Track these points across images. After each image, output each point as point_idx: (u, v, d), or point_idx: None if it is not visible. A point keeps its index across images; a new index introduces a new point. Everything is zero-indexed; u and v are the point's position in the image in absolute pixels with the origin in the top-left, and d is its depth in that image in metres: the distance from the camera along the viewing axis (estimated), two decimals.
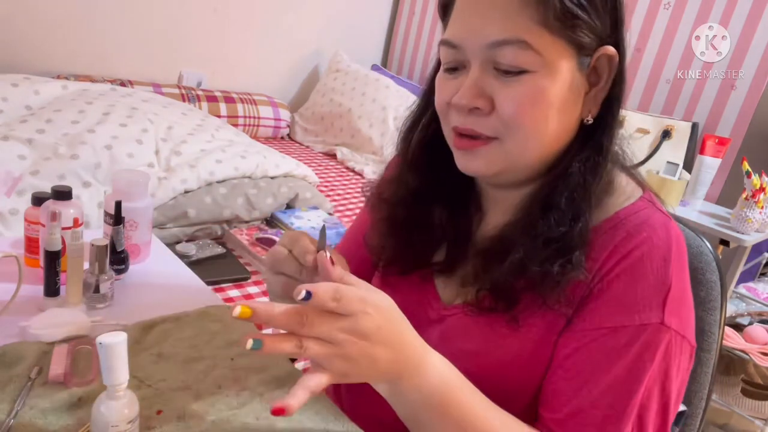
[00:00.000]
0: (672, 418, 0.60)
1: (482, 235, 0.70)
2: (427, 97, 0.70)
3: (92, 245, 0.80)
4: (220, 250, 1.56)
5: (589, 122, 0.61)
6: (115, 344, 0.50)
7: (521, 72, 0.57)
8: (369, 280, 0.81)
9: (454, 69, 0.62)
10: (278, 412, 0.46)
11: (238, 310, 0.47)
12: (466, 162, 0.63)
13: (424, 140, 0.71)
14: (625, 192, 0.64)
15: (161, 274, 0.96)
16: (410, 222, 0.71)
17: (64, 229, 0.79)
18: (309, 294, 0.47)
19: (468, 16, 0.59)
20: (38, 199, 0.86)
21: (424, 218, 0.70)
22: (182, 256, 1.41)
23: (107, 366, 0.51)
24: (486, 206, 0.72)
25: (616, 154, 0.65)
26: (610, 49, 0.59)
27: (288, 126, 2.81)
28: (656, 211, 0.62)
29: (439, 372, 0.55)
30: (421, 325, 0.70)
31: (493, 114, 0.59)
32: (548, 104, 0.58)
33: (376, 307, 0.51)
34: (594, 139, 0.61)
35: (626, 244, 0.59)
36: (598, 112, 0.62)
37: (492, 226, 0.69)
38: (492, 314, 0.63)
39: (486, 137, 0.60)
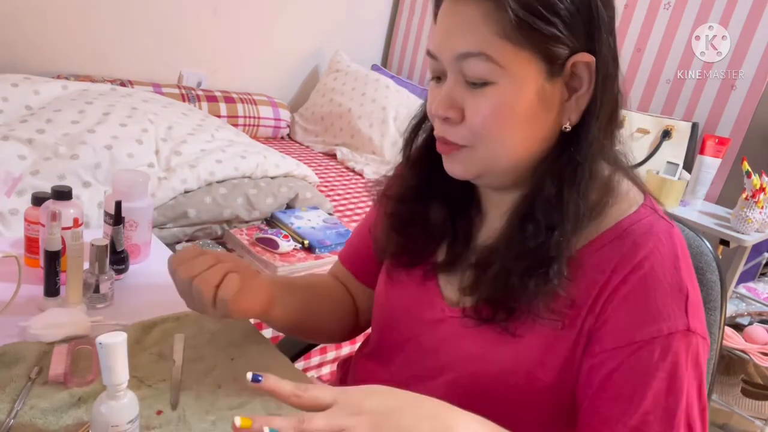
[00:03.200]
0: (707, 417, 0.61)
1: (482, 238, 0.71)
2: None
3: (92, 245, 0.80)
4: (220, 250, 1.56)
5: (567, 129, 0.61)
6: (115, 344, 0.50)
7: (486, 83, 0.58)
8: (376, 277, 0.82)
9: (439, 78, 0.64)
10: None
11: (238, 422, 0.46)
12: (447, 165, 0.66)
13: (426, 142, 0.73)
14: (626, 199, 0.64)
15: (161, 274, 0.95)
16: (410, 217, 0.73)
17: (64, 229, 0.79)
18: (257, 377, 0.49)
19: (442, 28, 0.61)
20: (38, 199, 0.86)
21: (422, 214, 0.72)
22: None
23: (107, 366, 0.51)
24: (486, 209, 0.72)
25: (617, 158, 0.65)
26: (586, 56, 0.58)
27: (288, 126, 2.81)
28: (659, 218, 0.62)
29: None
30: (423, 324, 0.72)
31: (464, 123, 0.61)
32: (513, 115, 0.59)
33: (373, 389, 0.52)
34: (571, 148, 0.61)
35: (633, 255, 0.59)
36: (579, 119, 0.61)
37: (491, 230, 0.69)
38: (491, 323, 0.64)
39: (457, 145, 0.62)
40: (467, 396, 0.66)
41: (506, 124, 0.59)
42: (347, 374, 0.89)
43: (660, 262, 0.59)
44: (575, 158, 0.60)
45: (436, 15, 0.64)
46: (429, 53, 0.63)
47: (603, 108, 0.60)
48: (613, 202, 0.63)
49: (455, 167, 0.65)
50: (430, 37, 0.65)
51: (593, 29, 0.58)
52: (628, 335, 0.59)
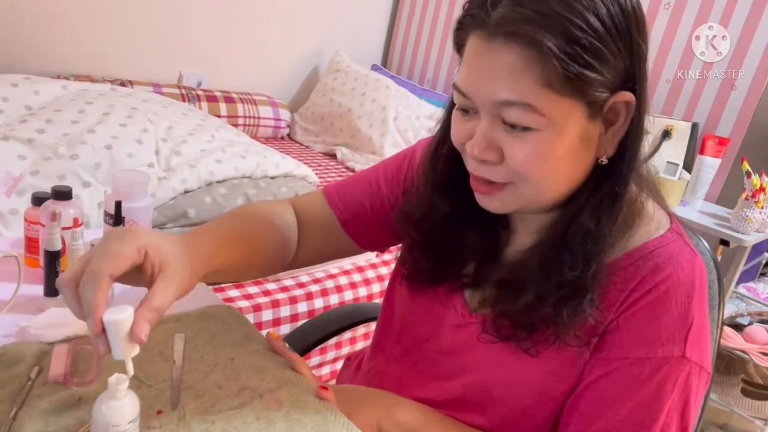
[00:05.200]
0: None
1: (510, 253, 0.71)
2: (448, 122, 0.70)
3: (92, 245, 0.80)
4: None
5: (604, 162, 0.61)
6: (119, 321, 0.50)
7: (528, 128, 0.57)
8: (364, 233, 0.83)
9: (466, 110, 0.62)
10: None
11: None
12: (484, 203, 0.64)
13: (448, 167, 0.70)
14: (654, 220, 0.65)
15: None
16: (444, 243, 0.72)
17: (64, 229, 0.79)
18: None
19: (475, 70, 0.58)
20: (38, 199, 0.86)
21: (457, 239, 0.71)
22: None
23: (115, 342, 0.51)
24: (514, 225, 0.72)
25: (644, 180, 0.65)
26: (626, 95, 0.57)
27: (288, 126, 2.81)
28: (685, 246, 0.63)
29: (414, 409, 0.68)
30: (444, 326, 0.74)
31: (504, 163, 0.59)
32: (556, 158, 0.58)
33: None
34: (609, 182, 0.61)
35: (653, 277, 0.60)
36: (616, 151, 0.60)
37: (520, 246, 0.70)
38: (510, 341, 0.65)
39: (500, 184, 0.61)
40: (482, 399, 0.69)
41: (548, 166, 0.58)
42: (359, 371, 0.90)
43: (675, 288, 0.60)
44: (614, 191, 0.60)
45: (457, 45, 0.61)
46: (458, 89, 0.60)
47: (638, 136, 0.60)
48: (639, 222, 0.63)
49: (492, 204, 0.64)
50: (460, 72, 0.61)
51: (633, 66, 0.57)
52: (625, 350, 0.61)
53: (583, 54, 0.53)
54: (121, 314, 0.50)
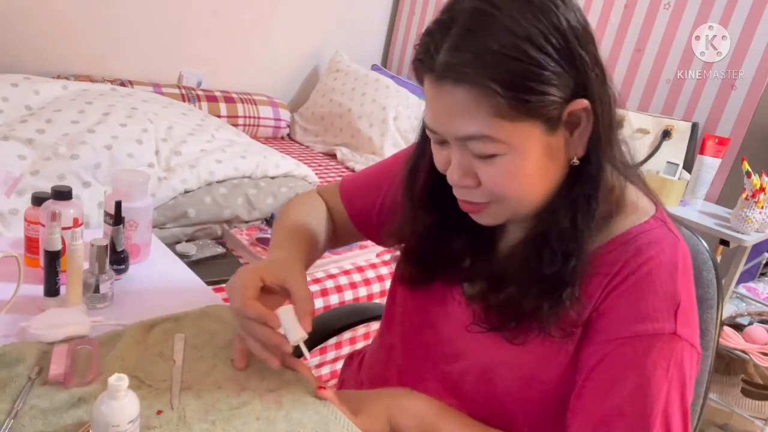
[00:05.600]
0: (689, 423, 0.62)
1: (503, 248, 0.73)
2: (424, 141, 0.73)
3: (92, 245, 0.80)
4: (220, 250, 1.56)
5: (576, 164, 0.63)
6: (288, 308, 0.66)
7: (493, 155, 0.60)
8: (368, 224, 0.89)
9: (442, 141, 0.65)
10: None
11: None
12: (476, 218, 0.68)
13: (427, 180, 0.73)
14: (638, 208, 0.66)
15: (161, 274, 0.96)
16: (433, 251, 0.75)
17: (64, 229, 0.79)
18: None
19: (436, 110, 0.62)
20: (38, 199, 0.86)
21: (445, 246, 0.74)
22: (182, 256, 1.41)
23: (289, 328, 0.65)
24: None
25: (625, 165, 0.66)
26: (581, 103, 0.59)
27: (288, 126, 2.81)
28: (668, 232, 0.65)
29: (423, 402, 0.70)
30: (443, 314, 0.75)
31: (482, 186, 0.63)
32: (526, 175, 0.61)
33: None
34: (580, 183, 0.62)
35: (635, 260, 0.62)
36: (586, 150, 0.62)
37: (512, 240, 0.72)
38: (497, 332, 0.67)
39: (483, 204, 0.65)
40: (479, 384, 0.71)
41: (521, 183, 0.61)
42: (361, 368, 0.91)
43: (658, 269, 0.61)
44: (586, 191, 0.62)
45: (419, 78, 0.63)
46: (427, 127, 0.64)
47: (605, 133, 0.61)
48: (621, 211, 0.65)
49: (484, 219, 0.67)
50: (425, 109, 0.65)
51: (581, 75, 0.58)
52: (615, 330, 0.61)
53: (526, 83, 0.56)
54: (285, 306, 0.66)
